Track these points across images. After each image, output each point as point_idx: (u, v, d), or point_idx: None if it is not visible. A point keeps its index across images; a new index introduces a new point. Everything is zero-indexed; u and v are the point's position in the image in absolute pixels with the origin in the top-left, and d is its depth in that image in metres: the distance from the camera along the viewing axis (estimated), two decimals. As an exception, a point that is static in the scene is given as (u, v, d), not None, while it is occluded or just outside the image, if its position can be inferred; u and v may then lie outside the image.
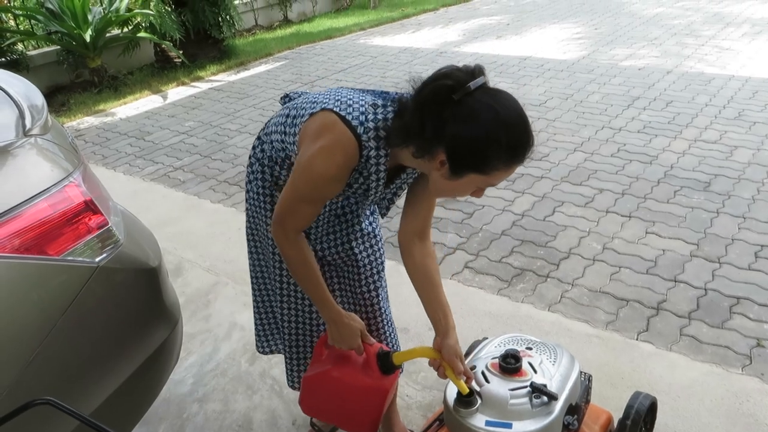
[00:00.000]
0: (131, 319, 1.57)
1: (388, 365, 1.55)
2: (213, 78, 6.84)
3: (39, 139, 1.55)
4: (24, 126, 1.57)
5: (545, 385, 1.46)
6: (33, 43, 6.94)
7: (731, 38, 6.71)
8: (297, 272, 1.50)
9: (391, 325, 1.85)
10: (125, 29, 7.04)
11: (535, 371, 1.52)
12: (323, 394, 1.62)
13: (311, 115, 1.35)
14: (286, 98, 1.71)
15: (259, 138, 1.62)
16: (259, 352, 1.94)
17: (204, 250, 3.24)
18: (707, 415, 2.00)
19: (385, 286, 1.81)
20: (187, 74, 6.89)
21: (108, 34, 6.70)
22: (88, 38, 6.09)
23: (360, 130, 1.29)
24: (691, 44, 6.58)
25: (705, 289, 2.62)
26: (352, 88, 1.44)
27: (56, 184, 1.43)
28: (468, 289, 2.74)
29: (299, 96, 1.69)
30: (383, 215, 1.64)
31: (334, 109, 1.32)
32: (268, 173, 1.57)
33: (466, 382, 1.48)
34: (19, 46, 6.62)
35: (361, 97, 1.36)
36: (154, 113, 5.75)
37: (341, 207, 1.62)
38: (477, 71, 1.22)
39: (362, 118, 1.30)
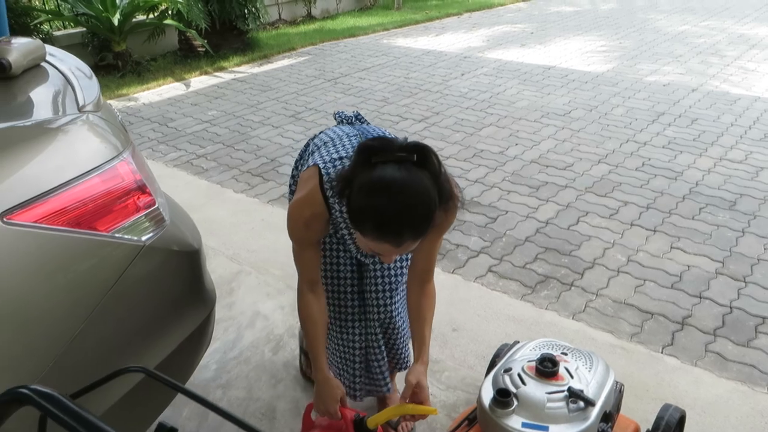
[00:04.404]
0: (172, 299, 1.58)
1: (363, 430, 1.59)
2: (236, 69, 6.86)
3: (92, 116, 1.56)
4: (77, 102, 1.58)
5: (582, 391, 1.46)
6: (58, 23, 6.98)
7: (756, 60, 6.69)
8: (301, 324, 1.63)
9: (405, 331, 1.88)
10: (152, 15, 7.07)
11: (572, 376, 1.51)
12: None
13: (308, 166, 1.51)
14: (338, 117, 1.77)
15: (301, 156, 1.75)
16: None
17: (227, 238, 3.24)
18: (732, 432, 2.00)
19: (403, 292, 1.80)
20: (210, 64, 6.92)
21: (134, 19, 6.74)
22: (115, 22, 6.13)
23: (330, 192, 1.42)
24: (715, 63, 6.56)
25: (730, 307, 2.61)
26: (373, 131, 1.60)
27: (108, 161, 1.44)
28: (492, 293, 2.74)
29: (352, 120, 1.74)
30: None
31: (321, 166, 1.44)
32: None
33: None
34: (46, 26, 6.66)
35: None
36: (177, 100, 5.77)
37: None
38: (411, 148, 1.22)
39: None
